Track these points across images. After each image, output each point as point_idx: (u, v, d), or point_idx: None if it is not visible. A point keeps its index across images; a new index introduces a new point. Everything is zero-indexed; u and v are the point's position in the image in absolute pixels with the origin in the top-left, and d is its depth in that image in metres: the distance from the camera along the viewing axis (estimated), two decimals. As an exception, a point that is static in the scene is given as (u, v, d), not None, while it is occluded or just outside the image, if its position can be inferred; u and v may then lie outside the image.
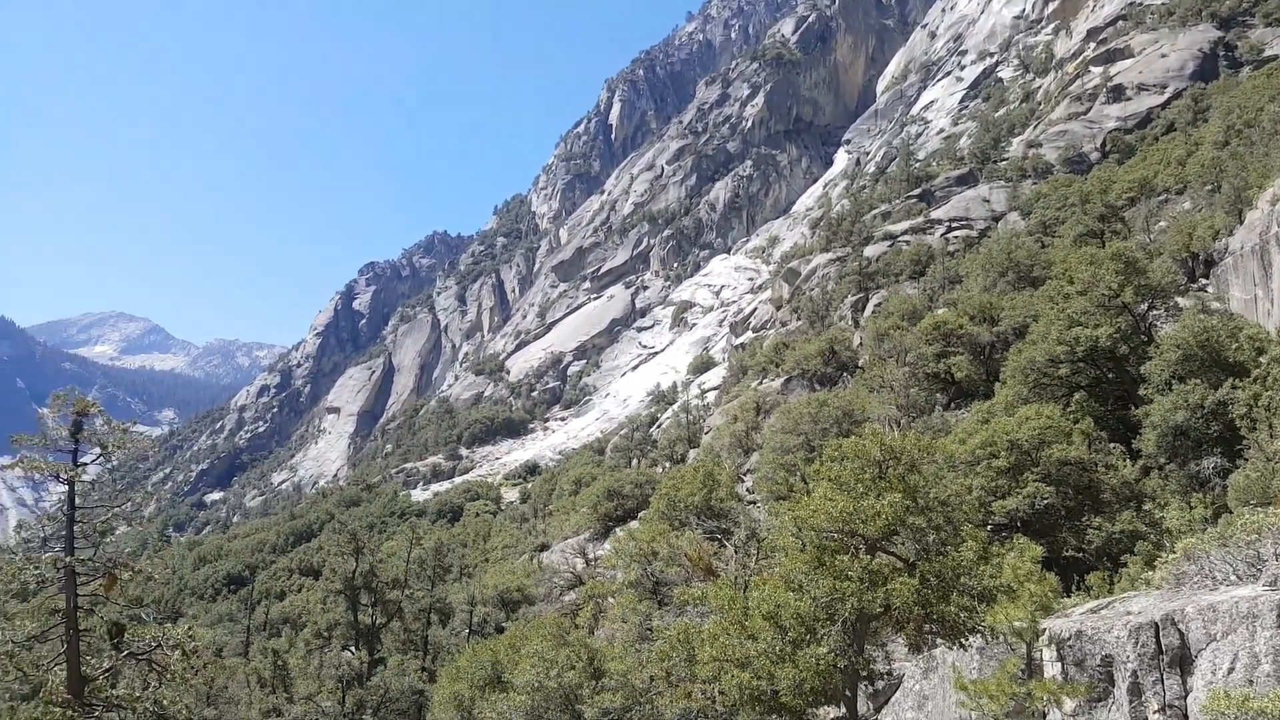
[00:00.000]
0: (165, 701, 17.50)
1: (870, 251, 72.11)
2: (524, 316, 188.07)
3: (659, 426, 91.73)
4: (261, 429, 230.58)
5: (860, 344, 50.13)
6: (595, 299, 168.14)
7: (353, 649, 32.58)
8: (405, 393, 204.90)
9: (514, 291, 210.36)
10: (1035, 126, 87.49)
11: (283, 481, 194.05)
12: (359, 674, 30.19)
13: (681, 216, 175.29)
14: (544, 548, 54.68)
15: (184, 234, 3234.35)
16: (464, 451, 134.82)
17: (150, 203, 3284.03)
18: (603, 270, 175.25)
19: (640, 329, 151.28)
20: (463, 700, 22.83)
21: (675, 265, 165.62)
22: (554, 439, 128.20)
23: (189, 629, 18.50)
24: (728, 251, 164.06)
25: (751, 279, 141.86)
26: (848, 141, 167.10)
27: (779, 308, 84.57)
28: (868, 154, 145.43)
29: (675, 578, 21.76)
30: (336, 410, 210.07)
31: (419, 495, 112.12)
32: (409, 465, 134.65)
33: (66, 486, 17.31)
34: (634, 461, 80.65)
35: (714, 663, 12.82)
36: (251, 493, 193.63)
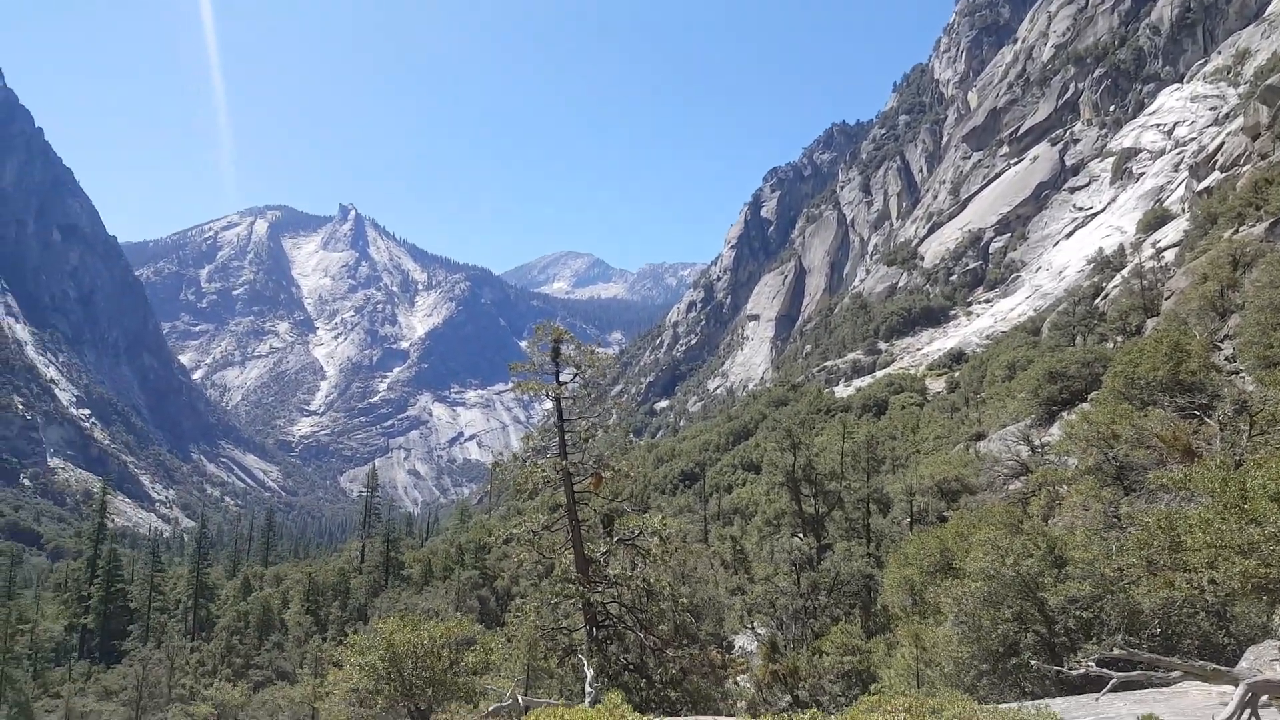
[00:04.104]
0: (651, 579, 20.28)
1: (1391, 41, 55.34)
2: (934, 196, 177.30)
3: (1105, 297, 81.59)
4: (693, 341, 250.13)
5: (1383, 163, 39.22)
6: (1015, 164, 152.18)
7: (800, 536, 34.54)
8: (818, 293, 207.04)
9: (921, 172, 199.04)
10: None
11: (717, 387, 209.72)
12: (809, 558, 32.00)
13: (1116, 49, 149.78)
14: (979, 436, 52.42)
15: (611, 172, 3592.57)
16: (882, 345, 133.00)
17: (581, 147, 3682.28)
18: (1022, 130, 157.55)
19: (1072, 189, 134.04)
20: (914, 585, 23.10)
21: (1112, 109, 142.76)
22: (979, 323, 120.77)
23: (662, 519, 21.11)
24: (1180, 81, 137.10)
25: (1215, 109, 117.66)
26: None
27: (1256, 137, 69.20)
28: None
29: (1144, 461, 19.47)
30: (756, 317, 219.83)
31: (842, 392, 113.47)
32: (829, 363, 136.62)
33: (553, 403, 20.55)
34: (1077, 339, 73.12)
35: (1207, 549, 11.33)
36: (692, 399, 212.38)
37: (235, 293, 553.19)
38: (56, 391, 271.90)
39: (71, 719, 39.29)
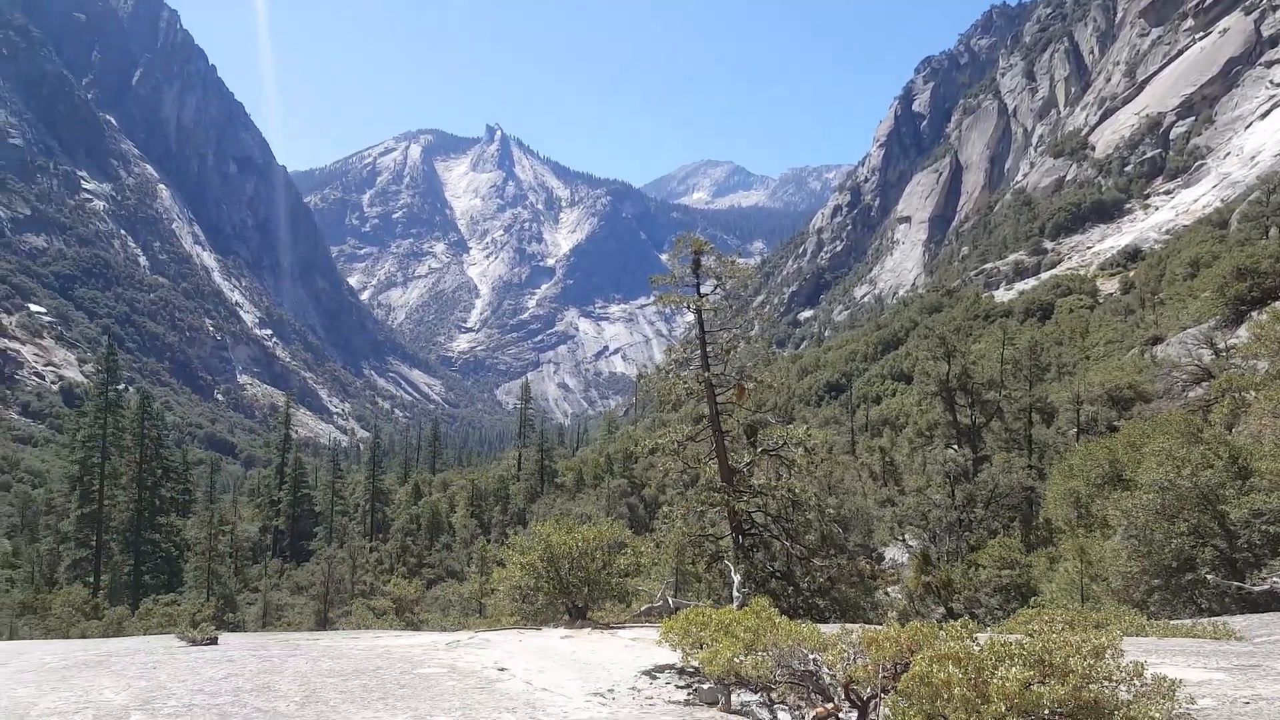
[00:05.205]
0: (796, 489, 20.24)
1: None
2: (1107, 80, 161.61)
3: (1308, 182, 73.05)
4: (839, 247, 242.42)
5: None
6: (1201, 38, 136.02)
7: (955, 447, 33.47)
8: (975, 191, 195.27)
9: (1092, 53, 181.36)
10: None
11: (864, 295, 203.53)
12: (964, 470, 31.01)
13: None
14: (1156, 340, 48.96)
15: (749, 74, 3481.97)
16: (1048, 244, 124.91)
17: (718, 50, 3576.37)
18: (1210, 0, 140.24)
19: (1270, 64, 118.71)
20: (1079, 497, 22.05)
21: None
22: (1157, 217, 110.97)
23: (807, 430, 20.89)
24: None
25: None
26: None
27: None
28: None
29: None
30: (907, 219, 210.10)
31: (1002, 296, 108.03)
32: (988, 266, 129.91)
33: (695, 315, 20.48)
34: (1271, 231, 66.27)
35: None
36: (838, 308, 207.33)
37: (394, 216, 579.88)
38: (241, 314, 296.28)
39: (269, 611, 43.65)
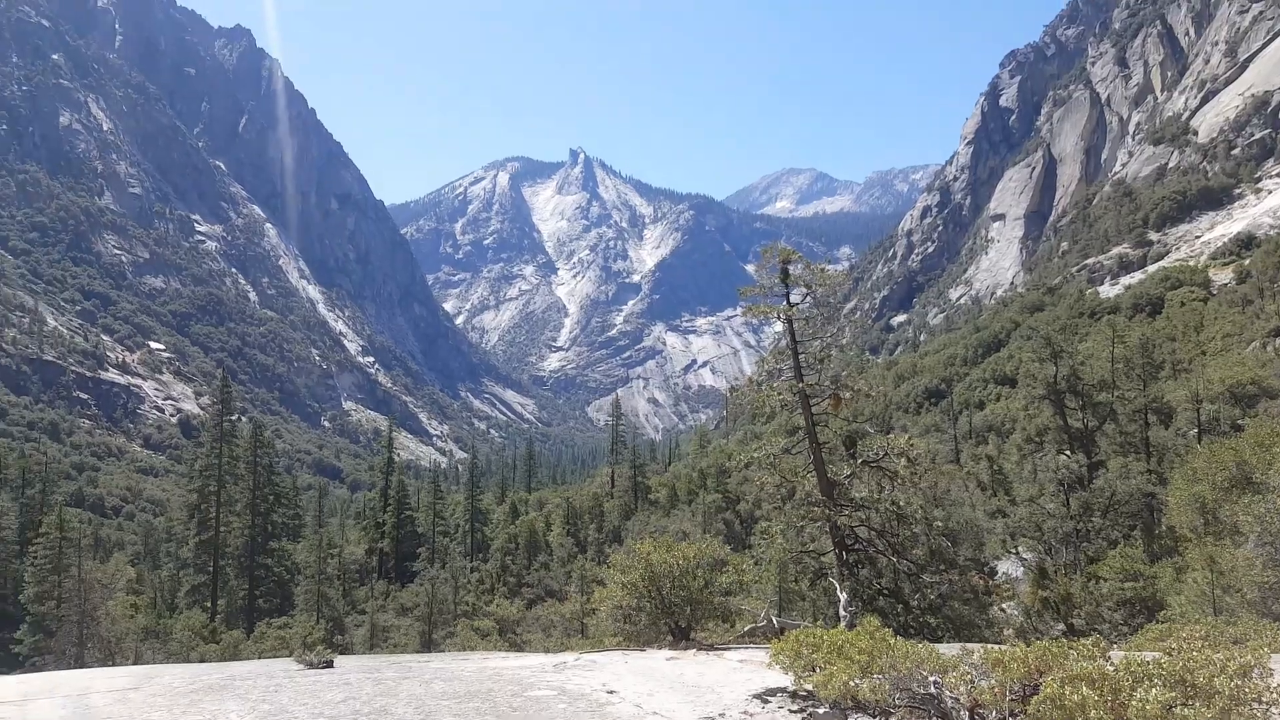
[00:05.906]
0: (901, 502, 19.61)
1: None
2: (1206, 61, 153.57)
3: None
4: (930, 249, 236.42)
5: None
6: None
7: (1067, 452, 31.97)
8: (1071, 184, 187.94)
9: (1188, 35, 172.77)
10: None
11: (960, 296, 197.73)
12: (1079, 477, 29.58)
13: None
14: (1279, 332, 45.93)
15: (827, 79, 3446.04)
16: (1153, 235, 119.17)
17: (794, 57, 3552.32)
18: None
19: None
20: (1205, 503, 20.77)
21: None
22: (1271, 201, 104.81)
23: (909, 439, 20.25)
24: None
25: None
26: None
27: None
28: None
29: None
30: (1001, 217, 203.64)
31: (1107, 291, 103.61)
32: (1090, 261, 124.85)
33: (785, 324, 20.17)
34: None
35: None
36: (932, 310, 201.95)
37: (485, 242, 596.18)
38: (345, 343, 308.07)
39: (375, 633, 44.47)
